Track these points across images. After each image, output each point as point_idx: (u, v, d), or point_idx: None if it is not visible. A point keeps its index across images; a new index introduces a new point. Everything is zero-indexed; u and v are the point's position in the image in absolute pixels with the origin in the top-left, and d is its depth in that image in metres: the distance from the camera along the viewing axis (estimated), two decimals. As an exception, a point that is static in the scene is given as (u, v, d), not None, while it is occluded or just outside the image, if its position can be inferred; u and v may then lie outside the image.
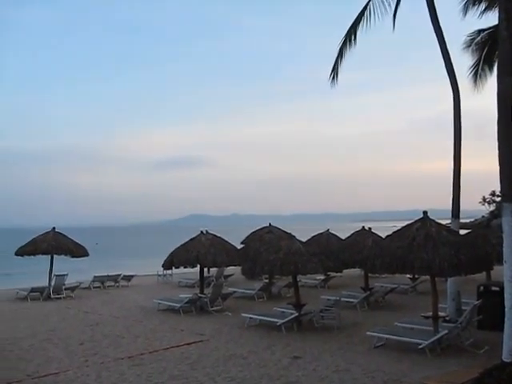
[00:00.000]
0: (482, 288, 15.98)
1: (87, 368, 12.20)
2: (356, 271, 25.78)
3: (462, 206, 17.32)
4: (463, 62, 21.82)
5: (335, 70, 19.39)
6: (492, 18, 19.51)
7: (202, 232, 21.31)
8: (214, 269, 26.91)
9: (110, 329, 16.94)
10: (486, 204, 39.61)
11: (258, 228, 31.38)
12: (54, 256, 24.78)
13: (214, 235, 21.53)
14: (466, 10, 20.00)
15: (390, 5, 18.73)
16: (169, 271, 28.96)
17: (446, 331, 13.27)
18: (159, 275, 31.21)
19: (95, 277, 28.32)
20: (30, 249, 24.79)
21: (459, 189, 17.13)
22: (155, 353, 13.59)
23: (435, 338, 13.03)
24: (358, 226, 24.42)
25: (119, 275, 29.35)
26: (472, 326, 14.43)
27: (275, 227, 29.56)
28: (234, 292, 22.78)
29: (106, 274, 29.02)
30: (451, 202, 17.28)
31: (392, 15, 18.75)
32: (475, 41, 21.53)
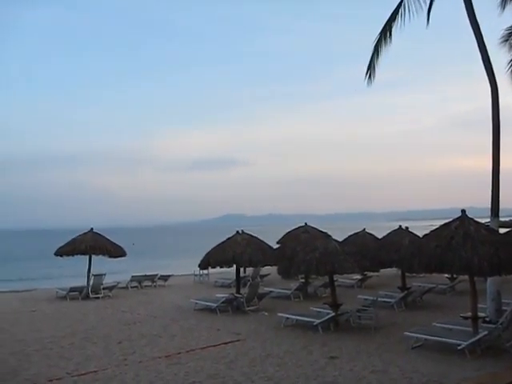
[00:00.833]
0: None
1: (125, 367, 12.35)
2: (393, 271, 25.50)
3: (502, 205, 16.98)
4: (499, 57, 21.33)
5: (371, 68, 19.25)
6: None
7: (238, 232, 21.34)
8: (250, 269, 27.00)
9: (147, 328, 17.11)
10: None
11: (293, 228, 31.30)
12: (92, 256, 25.16)
13: (250, 235, 21.54)
14: (504, 4, 19.55)
15: (424, 1, 18.54)
16: (205, 271, 29.12)
17: (486, 332, 13.02)
18: (195, 275, 31.41)
19: (133, 277, 28.68)
20: (69, 249, 25.19)
21: (498, 186, 16.81)
22: (192, 352, 13.68)
23: (475, 339, 12.80)
24: (393, 226, 24.15)
25: (156, 275, 29.64)
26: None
27: (311, 227, 29.44)
28: (271, 292, 22.75)
29: (143, 274, 29.40)
30: (490, 200, 16.97)
31: (426, 11, 18.53)
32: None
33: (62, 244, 25.71)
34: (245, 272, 27.91)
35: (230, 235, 21.40)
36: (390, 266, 21.25)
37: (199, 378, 11.34)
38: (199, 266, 22.13)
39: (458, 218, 13.76)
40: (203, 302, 20.69)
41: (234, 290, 21.54)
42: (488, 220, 16.74)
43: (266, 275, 29.24)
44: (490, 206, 17.01)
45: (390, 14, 18.92)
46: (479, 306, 14.25)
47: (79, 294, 24.57)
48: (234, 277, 21.83)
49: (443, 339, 13.28)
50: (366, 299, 19.83)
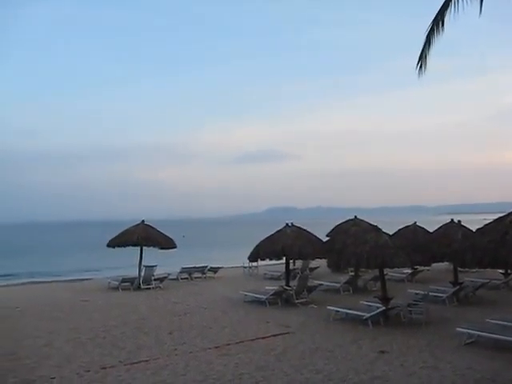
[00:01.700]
0: None
1: (176, 356, 12.53)
2: (444, 265, 25.08)
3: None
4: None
5: (423, 59, 18.86)
6: None
7: (287, 224, 21.34)
8: (300, 261, 26.95)
9: (197, 319, 17.31)
10: None
11: (343, 221, 31.08)
12: (144, 248, 25.56)
13: (300, 228, 21.51)
14: None
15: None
16: (254, 263, 29.22)
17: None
18: (245, 267, 31.56)
19: (183, 268, 29.04)
20: (121, 240, 25.66)
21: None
22: (241, 343, 13.78)
23: (530, 335, 12.48)
24: (444, 219, 23.70)
25: (206, 267, 29.94)
26: None
27: (361, 220, 29.18)
28: (320, 285, 22.67)
29: (193, 266, 29.71)
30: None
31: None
32: None
33: (113, 235, 26.22)
34: (294, 265, 27.86)
35: (278, 228, 21.42)
36: (442, 261, 20.87)
37: (248, 369, 11.42)
38: (249, 258, 22.21)
39: (512, 212, 13.39)
40: (253, 294, 20.80)
41: (283, 283, 21.56)
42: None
43: (315, 268, 29.17)
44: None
45: (442, 3, 18.50)
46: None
47: (131, 284, 25.04)
48: (283, 269, 21.85)
49: (498, 336, 12.97)
50: (416, 294, 19.56)
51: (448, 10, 18.51)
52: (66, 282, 31.14)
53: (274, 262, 22.79)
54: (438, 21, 18.57)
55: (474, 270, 23.93)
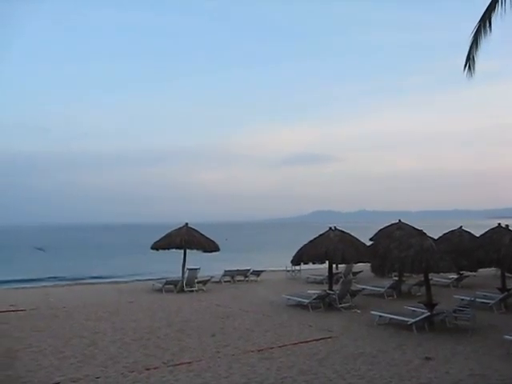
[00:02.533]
0: None
1: (219, 359, 12.57)
2: (491, 271, 24.59)
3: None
4: None
5: (470, 60, 18.50)
6: None
7: (330, 228, 21.22)
8: (342, 265, 26.78)
9: (239, 322, 17.35)
10: None
11: (386, 225, 30.77)
12: (187, 250, 25.75)
13: (343, 231, 21.37)
14: None
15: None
16: (297, 267, 29.15)
17: None
18: (287, 271, 31.50)
19: (226, 271, 29.17)
20: (165, 243, 25.93)
21: None
22: (284, 347, 13.73)
23: None
24: (490, 224, 23.15)
25: (249, 270, 30.00)
26: None
27: (405, 224, 28.81)
28: (363, 289, 22.47)
29: (236, 269, 29.81)
30: None
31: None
32: None
33: (157, 238, 26.49)
34: (337, 269, 27.72)
35: (320, 231, 21.35)
36: (489, 266, 20.48)
37: (291, 373, 11.37)
38: (292, 261, 22.18)
39: None
40: (295, 298, 20.74)
41: (325, 287, 21.46)
42: None
43: (358, 272, 28.94)
44: None
45: (489, 2, 18.12)
46: None
47: (174, 287, 25.26)
48: (325, 273, 21.74)
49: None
50: (462, 299, 19.18)
51: (495, 10, 18.11)
52: (111, 283, 31.69)
53: (316, 266, 22.68)
54: (485, 20, 18.17)
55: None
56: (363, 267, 27.46)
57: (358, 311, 19.00)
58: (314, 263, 21.13)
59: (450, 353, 13.08)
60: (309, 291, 21.61)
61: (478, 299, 18.43)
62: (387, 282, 23.41)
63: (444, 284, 25.17)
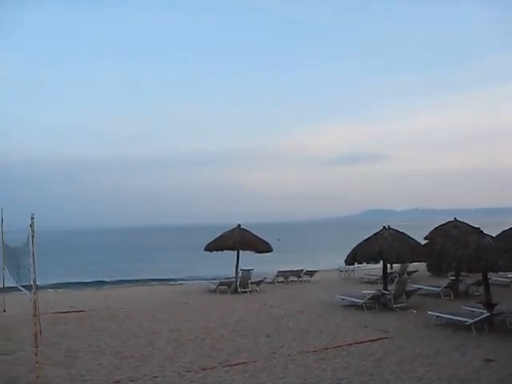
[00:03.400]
0: None
1: (274, 360, 12.57)
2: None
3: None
4: None
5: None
6: None
7: (384, 227, 20.96)
8: (397, 265, 26.43)
9: (294, 323, 17.33)
10: None
11: (441, 223, 30.19)
12: (240, 251, 25.87)
13: (397, 230, 21.07)
14: None
15: None
16: (351, 267, 28.93)
17: None
18: (341, 271, 31.29)
19: (279, 272, 29.20)
20: (218, 245, 26.12)
21: None
22: (339, 348, 13.63)
23: None
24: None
25: (302, 270, 29.94)
26: None
27: (461, 221, 28.22)
28: (419, 289, 22.09)
29: (289, 270, 29.79)
30: None
31: None
32: None
33: (210, 240, 26.69)
34: (391, 268, 27.36)
35: (374, 231, 21.12)
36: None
37: (347, 374, 11.27)
38: (345, 261, 22.01)
39: None
40: (350, 298, 20.58)
41: (380, 287, 21.21)
42: None
43: (413, 272, 28.50)
44: None
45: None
46: None
47: (228, 287, 25.43)
48: (379, 273, 21.49)
49: None
50: (523, 299, 18.65)
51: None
52: (166, 284, 32.17)
53: (369, 265, 22.45)
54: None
55: None
56: (418, 266, 27.04)
57: (414, 311, 18.70)
58: (368, 263, 20.94)
59: (511, 355, 12.72)
60: (363, 291, 21.40)
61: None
62: (443, 282, 22.96)
63: (503, 283, 24.50)
